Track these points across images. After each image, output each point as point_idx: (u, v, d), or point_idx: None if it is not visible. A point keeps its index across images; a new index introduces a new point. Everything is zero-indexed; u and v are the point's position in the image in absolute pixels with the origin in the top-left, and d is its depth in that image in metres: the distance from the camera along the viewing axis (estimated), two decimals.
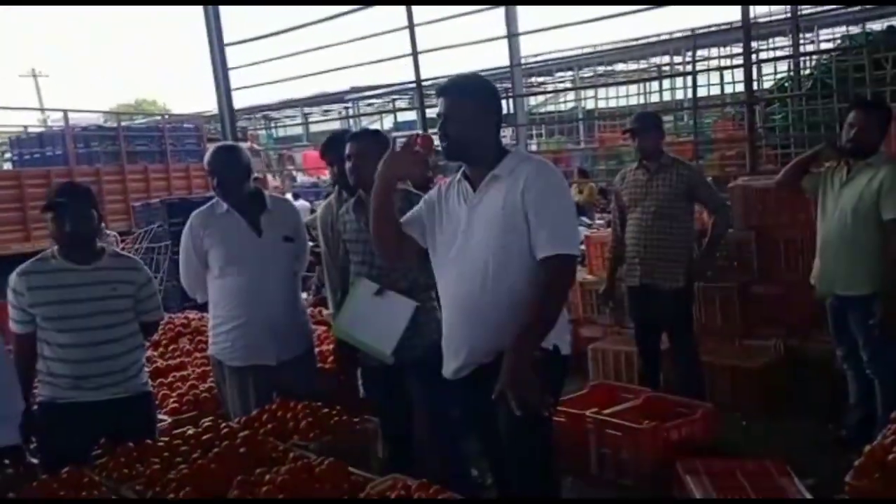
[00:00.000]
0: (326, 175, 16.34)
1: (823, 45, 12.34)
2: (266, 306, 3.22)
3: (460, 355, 2.47)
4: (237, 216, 3.25)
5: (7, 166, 14.15)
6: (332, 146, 3.51)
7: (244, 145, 4.93)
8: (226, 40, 9.10)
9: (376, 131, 3.49)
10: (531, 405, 2.16)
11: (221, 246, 3.23)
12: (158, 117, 13.66)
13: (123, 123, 12.53)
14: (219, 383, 3.40)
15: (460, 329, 2.46)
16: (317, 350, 3.76)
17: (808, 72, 9.92)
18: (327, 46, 8.70)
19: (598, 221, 9.16)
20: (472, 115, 2.42)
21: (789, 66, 10.96)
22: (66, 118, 12.25)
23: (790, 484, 2.98)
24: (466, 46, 8.04)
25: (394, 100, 20.55)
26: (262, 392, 3.23)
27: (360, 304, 3.11)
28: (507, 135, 10.37)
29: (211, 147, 3.50)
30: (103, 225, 2.91)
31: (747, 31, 6.29)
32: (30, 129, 13.95)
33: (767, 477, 3.03)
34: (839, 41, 12.11)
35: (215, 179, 3.26)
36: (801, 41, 11.46)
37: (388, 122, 19.96)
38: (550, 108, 20.75)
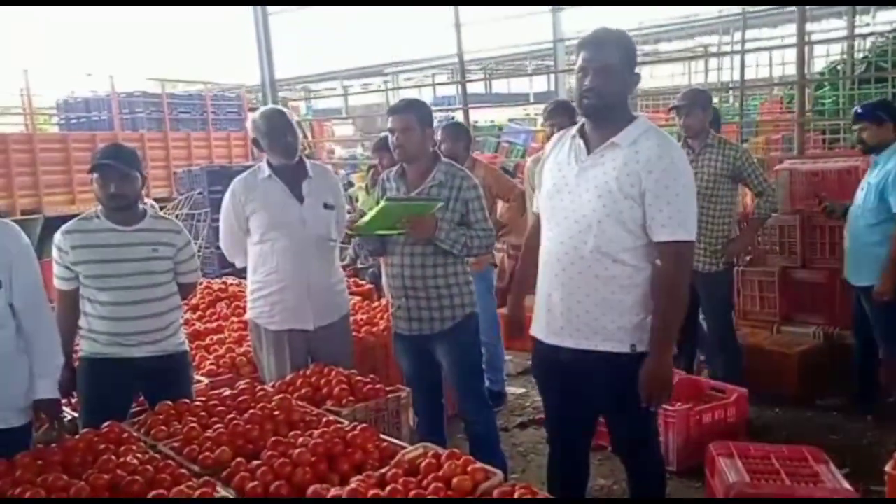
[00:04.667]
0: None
1: (881, 29, 11.94)
2: (305, 272, 3.23)
3: (554, 313, 2.44)
4: (279, 182, 3.26)
5: (54, 129, 14.39)
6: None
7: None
8: (269, 10, 9.13)
9: (418, 102, 3.27)
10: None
11: (263, 211, 3.24)
12: (201, 85, 13.69)
13: (167, 91, 12.60)
14: (255, 347, 3.43)
15: (557, 292, 2.41)
16: (352, 319, 3.78)
17: (861, 55, 9.63)
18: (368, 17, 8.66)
19: None
20: (621, 72, 2.31)
21: (843, 49, 10.65)
22: (111, 83, 12.38)
23: (826, 471, 2.92)
24: (509, 20, 7.96)
25: (433, 74, 20.45)
26: (297, 356, 3.27)
27: (384, 217, 2.97)
28: None
29: (260, 110, 3.46)
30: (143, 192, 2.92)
31: (802, 11, 6.13)
32: (76, 94, 14.13)
33: (803, 463, 2.98)
34: None
35: (283, 139, 3.21)
36: (857, 24, 11.10)
37: (427, 97, 19.88)
38: None
